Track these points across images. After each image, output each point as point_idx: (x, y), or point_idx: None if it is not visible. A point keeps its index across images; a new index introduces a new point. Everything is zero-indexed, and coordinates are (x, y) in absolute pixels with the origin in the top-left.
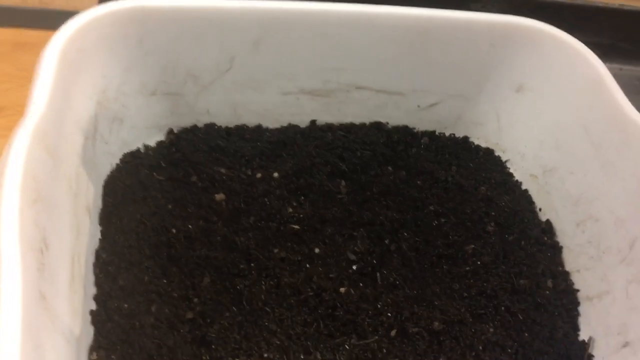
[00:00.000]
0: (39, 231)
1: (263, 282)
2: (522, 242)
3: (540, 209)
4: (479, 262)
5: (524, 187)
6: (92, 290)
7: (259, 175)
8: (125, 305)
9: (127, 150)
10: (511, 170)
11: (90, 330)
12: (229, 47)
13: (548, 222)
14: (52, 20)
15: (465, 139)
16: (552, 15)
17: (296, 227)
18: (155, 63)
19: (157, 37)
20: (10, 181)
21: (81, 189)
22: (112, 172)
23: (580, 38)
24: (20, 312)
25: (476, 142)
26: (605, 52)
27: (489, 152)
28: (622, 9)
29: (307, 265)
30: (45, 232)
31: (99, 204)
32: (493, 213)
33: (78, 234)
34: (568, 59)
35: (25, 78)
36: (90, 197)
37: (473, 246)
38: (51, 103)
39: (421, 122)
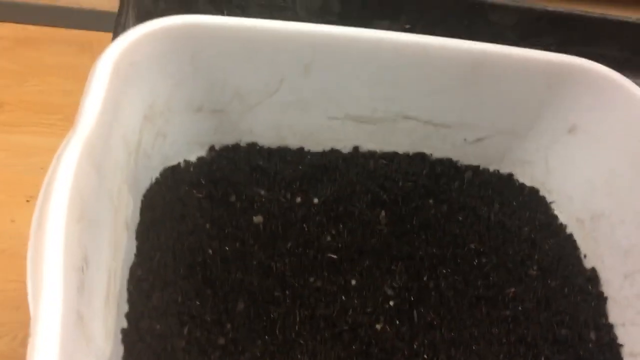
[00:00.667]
0: (81, 250)
1: (297, 312)
2: (566, 290)
3: (585, 256)
4: (519, 308)
5: (568, 231)
6: (125, 307)
7: (298, 199)
8: (158, 326)
9: (167, 164)
10: (556, 213)
11: (120, 350)
12: (280, 68)
13: (593, 270)
14: (55, 16)
15: (510, 176)
16: (570, 27)
17: (334, 256)
18: (204, 80)
19: (208, 54)
20: (58, 198)
21: (121, 203)
22: (151, 186)
23: (601, 51)
24: (58, 337)
25: (521, 180)
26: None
27: (533, 191)
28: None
29: (343, 297)
30: (87, 250)
31: (136, 217)
32: (536, 256)
33: (116, 250)
34: (625, 103)
35: (25, 73)
36: (129, 211)
37: (514, 290)
38: (101, 116)
39: (466, 156)
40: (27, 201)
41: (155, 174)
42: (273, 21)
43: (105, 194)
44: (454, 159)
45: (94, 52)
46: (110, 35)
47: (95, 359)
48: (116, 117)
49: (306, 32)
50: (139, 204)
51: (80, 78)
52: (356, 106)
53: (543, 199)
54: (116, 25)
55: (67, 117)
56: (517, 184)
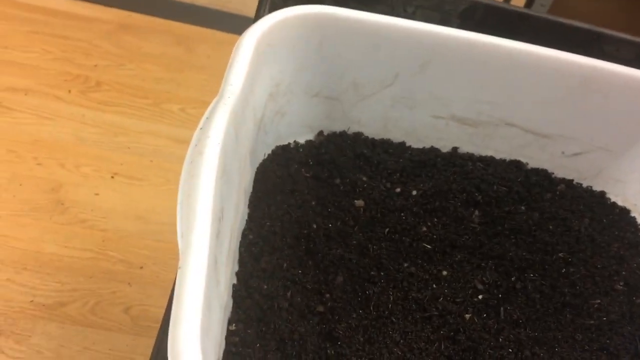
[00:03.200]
0: (221, 201)
1: (391, 292)
2: None
3: None
4: (604, 318)
5: None
6: (235, 267)
7: (398, 189)
8: (265, 286)
9: (280, 143)
10: None
11: (229, 303)
12: (397, 64)
13: None
14: (157, 6)
15: (602, 193)
16: None
17: (428, 246)
18: (326, 67)
19: (334, 43)
20: (212, 152)
21: (244, 170)
22: (264, 161)
23: None
24: (205, 271)
25: (613, 199)
26: None
27: (624, 211)
28: None
29: (434, 285)
30: (224, 202)
31: (250, 188)
32: (624, 272)
33: (237, 212)
34: None
35: (124, 57)
36: (247, 180)
37: (599, 301)
38: (244, 87)
39: (560, 169)
40: (112, 177)
41: (268, 150)
42: (397, 18)
43: (237, 157)
44: (549, 170)
45: (189, 45)
46: (206, 30)
47: (218, 300)
48: (252, 89)
49: (427, 32)
50: (253, 176)
51: (172, 68)
52: (462, 108)
53: (634, 219)
54: (257, 12)
55: (156, 103)
56: (609, 202)
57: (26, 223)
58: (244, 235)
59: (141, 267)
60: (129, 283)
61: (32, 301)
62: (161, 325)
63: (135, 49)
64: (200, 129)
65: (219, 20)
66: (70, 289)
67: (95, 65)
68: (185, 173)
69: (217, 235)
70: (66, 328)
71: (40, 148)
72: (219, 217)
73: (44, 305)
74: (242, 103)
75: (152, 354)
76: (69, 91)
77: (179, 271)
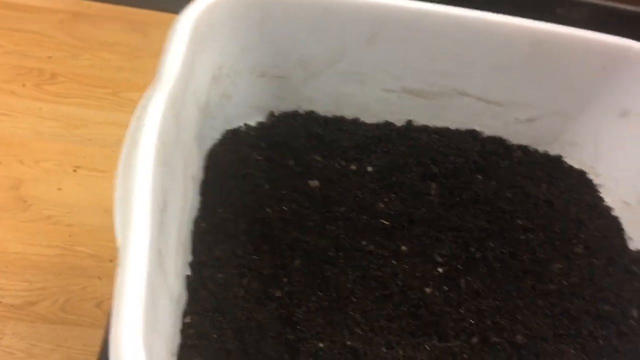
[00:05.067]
0: (162, 192)
1: (350, 272)
2: (610, 269)
3: (631, 238)
4: (564, 282)
5: (614, 213)
6: (189, 257)
7: (353, 167)
8: (220, 275)
9: (229, 127)
10: (602, 195)
11: (184, 295)
12: (344, 39)
13: (638, 252)
14: None
15: (559, 158)
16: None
17: (386, 222)
18: (270, 46)
19: (276, 21)
20: (148, 141)
21: (190, 157)
22: (214, 146)
23: None
24: (146, 267)
25: (569, 163)
26: None
27: (581, 174)
28: None
29: (394, 262)
30: (166, 193)
31: (200, 174)
32: (582, 235)
33: (184, 200)
34: None
35: (79, 47)
36: (195, 166)
37: (560, 266)
38: (182, 72)
39: (516, 136)
40: (74, 171)
41: (217, 135)
42: None
43: (179, 145)
44: (505, 137)
45: (146, 31)
46: (161, 14)
47: (168, 294)
48: (192, 74)
49: (372, 4)
50: (203, 162)
51: (131, 56)
52: (413, 80)
53: (590, 181)
54: None
55: (116, 92)
56: (565, 166)
57: None
58: (196, 224)
59: (111, 260)
60: (99, 277)
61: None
62: (107, 321)
63: (90, 37)
64: (136, 118)
65: (172, 2)
66: (39, 288)
67: (50, 57)
68: (122, 165)
69: (160, 227)
70: (37, 327)
71: None
72: (160, 209)
73: (12, 306)
74: (180, 88)
75: (101, 351)
76: (24, 85)
77: (118, 269)
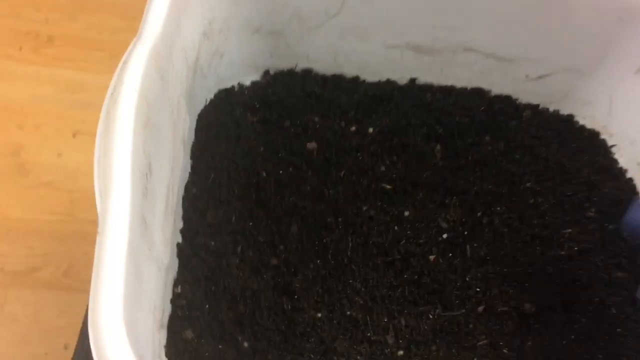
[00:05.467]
0: (145, 156)
1: (350, 239)
2: (624, 233)
3: None
4: (575, 248)
5: (629, 175)
6: (180, 224)
7: (353, 128)
8: (212, 243)
9: (222, 86)
10: (616, 157)
11: (175, 263)
12: None
13: None
14: None
15: (570, 117)
16: None
17: (388, 186)
18: None
19: None
20: (127, 101)
21: (180, 118)
22: (206, 107)
23: None
24: (127, 236)
25: (581, 122)
26: None
27: (593, 134)
28: None
29: (396, 227)
30: (151, 157)
31: (192, 137)
32: (595, 198)
33: (174, 164)
34: None
35: (76, 9)
36: (186, 128)
37: (570, 230)
38: (166, 25)
39: (525, 94)
40: (74, 136)
41: (210, 95)
42: None
43: (167, 104)
44: (514, 96)
45: None
46: None
47: (155, 263)
48: (178, 29)
49: None
50: (194, 124)
51: (127, 17)
52: (416, 35)
53: (603, 142)
54: None
55: (114, 55)
56: (577, 125)
57: None
58: (187, 189)
59: None
60: None
61: (2, 269)
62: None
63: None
64: (117, 74)
65: None
66: (41, 254)
67: (46, 19)
68: (101, 126)
69: (143, 193)
70: (40, 293)
71: None
72: (144, 173)
73: (15, 272)
74: (165, 43)
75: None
76: (20, 48)
77: (97, 238)
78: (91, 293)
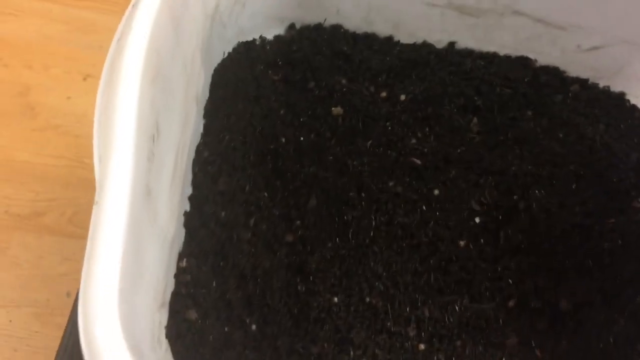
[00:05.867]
0: (153, 114)
1: (373, 217)
2: None
3: None
4: (619, 241)
5: None
6: (189, 190)
7: (383, 94)
8: (223, 214)
9: (242, 39)
10: None
11: (181, 234)
12: None
13: None
14: None
15: (621, 95)
16: None
17: (417, 161)
18: None
19: None
20: (134, 51)
21: (194, 73)
22: (223, 61)
23: None
24: (127, 209)
25: (633, 101)
26: None
27: None
28: None
29: (424, 207)
30: (159, 116)
31: (206, 94)
32: None
33: (185, 124)
34: None
35: None
36: (200, 84)
37: (614, 220)
38: None
39: (575, 67)
40: (84, 79)
41: (228, 48)
42: None
43: (179, 56)
44: (562, 68)
45: None
46: None
47: (157, 238)
48: None
49: None
50: (209, 80)
51: None
52: None
53: None
54: None
55: None
56: (628, 104)
57: None
58: (199, 151)
59: None
60: None
61: (6, 211)
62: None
63: None
64: (125, 18)
65: None
66: (46, 199)
67: None
68: (104, 79)
69: (149, 158)
70: (44, 239)
71: (4, 47)
72: (151, 135)
73: (19, 216)
74: None
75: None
76: None
77: (94, 207)
78: (83, 272)
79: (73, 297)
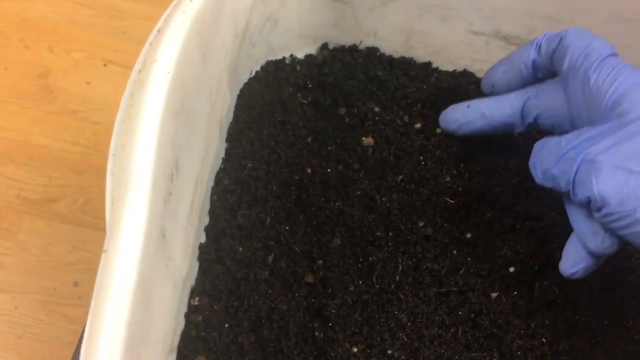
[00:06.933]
0: (174, 152)
1: (400, 260)
2: None
3: None
4: None
5: None
6: (205, 219)
7: (418, 125)
8: (240, 249)
9: (272, 57)
10: None
11: (194, 268)
12: None
13: None
14: None
15: None
16: None
17: (450, 201)
18: None
19: None
20: (157, 85)
21: (219, 97)
22: (250, 81)
23: None
24: (139, 257)
25: None
26: None
27: None
28: None
29: (455, 252)
30: (179, 153)
31: (229, 116)
32: None
33: (207, 151)
34: None
35: None
36: (225, 107)
37: None
38: None
39: None
40: (105, 65)
41: (256, 67)
42: None
43: (206, 84)
44: None
45: None
46: None
47: (171, 279)
48: None
49: None
50: (234, 101)
51: None
52: (510, 22)
53: None
54: None
55: None
56: None
57: (13, 111)
58: (218, 179)
59: None
60: None
61: (18, 195)
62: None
63: None
64: (149, 44)
65: None
66: (59, 185)
67: None
68: (122, 112)
69: (166, 200)
70: (55, 225)
71: (28, 29)
72: (169, 175)
73: (31, 201)
74: (212, 8)
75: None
76: None
77: (103, 256)
78: (88, 324)
79: (81, 287)
